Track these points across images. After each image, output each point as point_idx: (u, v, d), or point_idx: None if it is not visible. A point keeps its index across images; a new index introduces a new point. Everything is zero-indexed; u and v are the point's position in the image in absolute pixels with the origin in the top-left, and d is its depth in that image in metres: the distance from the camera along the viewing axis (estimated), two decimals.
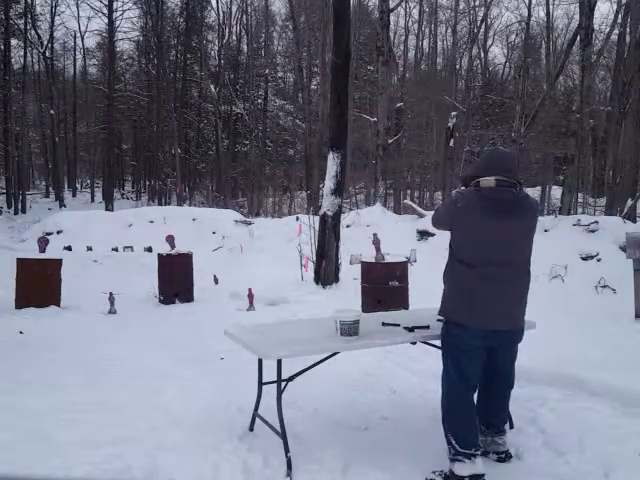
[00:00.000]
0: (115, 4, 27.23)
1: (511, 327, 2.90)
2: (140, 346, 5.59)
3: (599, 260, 8.16)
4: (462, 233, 2.87)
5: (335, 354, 3.31)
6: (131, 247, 12.59)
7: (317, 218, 9.21)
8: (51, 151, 30.85)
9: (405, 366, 4.78)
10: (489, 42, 31.74)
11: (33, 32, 28.50)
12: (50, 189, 32.30)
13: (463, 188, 3.01)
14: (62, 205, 27.05)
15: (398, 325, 3.38)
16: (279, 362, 3.03)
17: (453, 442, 2.81)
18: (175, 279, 8.33)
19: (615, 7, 19.86)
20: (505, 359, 3.01)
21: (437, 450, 3.05)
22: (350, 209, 17.15)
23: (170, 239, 8.70)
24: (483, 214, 2.77)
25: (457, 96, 26.11)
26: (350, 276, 8.70)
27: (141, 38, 32.09)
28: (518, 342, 3.01)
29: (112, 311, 7.49)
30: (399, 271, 7.18)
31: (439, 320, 3.10)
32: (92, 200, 31.30)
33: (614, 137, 18.15)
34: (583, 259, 8.30)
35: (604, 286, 7.48)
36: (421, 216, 11.44)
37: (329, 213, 8.74)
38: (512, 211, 2.81)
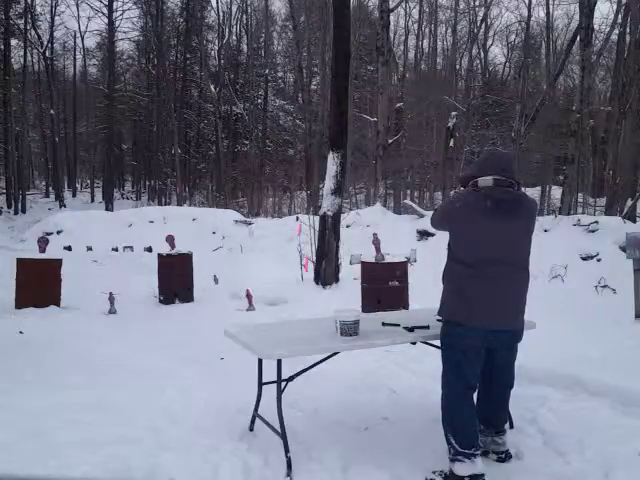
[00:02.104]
0: (115, 4, 27.33)
1: (510, 327, 2.90)
2: (140, 346, 5.60)
3: (599, 260, 8.15)
4: (461, 233, 2.87)
5: (335, 354, 3.31)
6: (131, 247, 12.59)
7: (317, 218, 9.21)
8: (51, 151, 30.85)
9: (405, 366, 4.78)
10: (489, 42, 31.76)
11: (33, 32, 28.51)
12: (50, 189, 32.30)
13: (462, 189, 3.01)
14: (62, 205, 27.06)
15: (398, 325, 3.38)
16: (279, 362, 3.03)
17: (453, 442, 2.81)
18: (175, 279, 8.33)
19: (615, 7, 19.86)
20: (505, 359, 3.01)
21: (437, 450, 3.05)
22: (350, 209, 17.13)
23: (170, 239, 8.70)
24: (482, 214, 2.78)
25: (457, 96, 26.09)
26: (350, 276, 8.70)
27: (141, 38, 32.10)
28: (518, 342, 3.01)
29: (112, 311, 7.49)
30: (399, 271, 7.18)
31: (439, 320, 3.10)
32: (92, 200, 31.33)
33: (614, 137, 18.13)
34: (583, 259, 8.29)
35: (604, 286, 7.48)
36: (421, 216, 11.43)
37: (329, 213, 8.73)
38: (511, 211, 2.82)
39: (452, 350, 2.91)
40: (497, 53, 61.56)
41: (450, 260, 2.95)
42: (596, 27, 18.12)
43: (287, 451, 2.98)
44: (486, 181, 2.85)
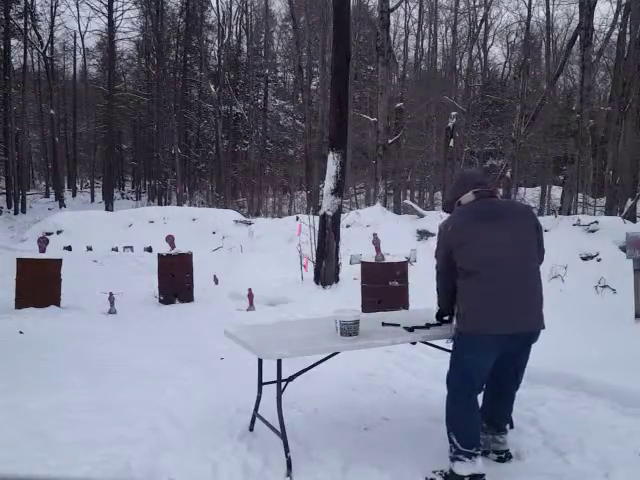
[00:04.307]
0: (115, 4, 27.36)
1: (529, 329, 2.88)
2: (140, 346, 5.60)
3: (599, 260, 8.14)
4: (463, 248, 2.86)
5: (335, 354, 3.31)
6: (131, 247, 12.60)
7: (317, 218, 9.21)
8: (51, 151, 30.83)
9: (405, 366, 4.78)
10: (489, 42, 31.74)
11: (33, 32, 28.50)
12: (50, 189, 32.29)
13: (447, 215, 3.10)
14: (62, 205, 27.05)
15: (398, 325, 3.38)
16: (279, 362, 3.03)
17: (455, 441, 2.82)
18: (175, 279, 8.33)
19: (615, 7, 19.87)
20: (519, 361, 3.01)
21: (437, 450, 3.06)
22: (350, 209, 17.13)
23: (170, 239, 8.70)
24: (476, 222, 2.86)
25: (457, 96, 26.10)
26: (350, 276, 8.69)
27: (141, 38, 32.11)
28: (533, 342, 2.98)
29: (112, 311, 7.49)
30: (399, 271, 7.18)
31: (438, 323, 3.12)
32: (92, 200, 31.32)
33: (614, 137, 18.12)
34: (583, 259, 8.28)
35: (604, 286, 7.47)
36: (421, 216, 11.42)
37: (329, 213, 8.73)
38: (503, 214, 2.89)
39: (464, 352, 2.89)
40: (497, 53, 61.50)
41: (459, 280, 2.92)
42: (596, 27, 18.14)
43: (287, 451, 2.98)
44: (468, 197, 2.97)
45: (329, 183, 8.82)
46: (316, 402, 3.88)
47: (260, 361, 3.32)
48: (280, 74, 36.35)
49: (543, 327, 2.93)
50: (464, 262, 2.86)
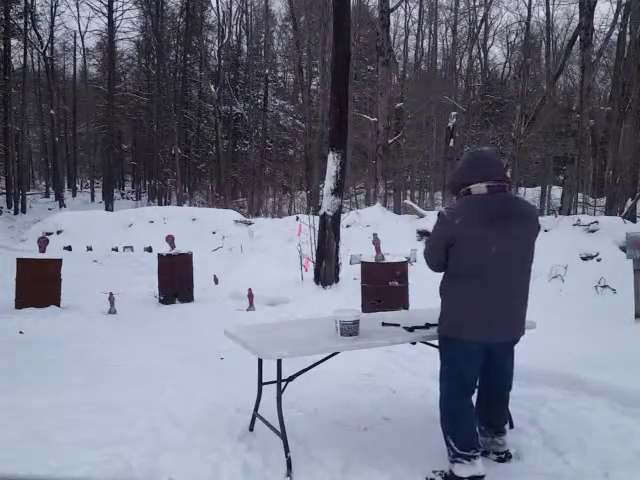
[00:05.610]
0: (115, 4, 27.39)
1: (513, 338, 2.93)
2: (140, 346, 5.60)
3: (599, 260, 8.14)
4: (462, 247, 2.76)
5: (335, 354, 3.31)
6: (131, 247, 12.60)
7: (317, 218, 9.21)
8: (51, 151, 30.85)
9: (405, 366, 4.78)
10: (489, 42, 31.81)
11: (33, 32, 28.51)
12: (50, 189, 32.32)
13: (455, 200, 2.94)
14: (62, 205, 27.06)
15: (398, 325, 3.38)
16: (279, 362, 3.03)
17: (452, 444, 2.81)
18: (175, 279, 8.33)
19: (615, 7, 19.86)
20: (504, 362, 3.03)
21: (437, 450, 3.05)
22: (350, 209, 17.12)
23: (170, 239, 8.71)
24: (482, 226, 2.71)
25: (457, 96, 26.10)
26: (350, 276, 8.70)
27: (141, 38, 32.13)
28: (515, 344, 3.02)
29: (112, 311, 7.49)
30: (399, 271, 7.19)
31: (433, 325, 3.13)
32: (92, 200, 31.35)
33: (614, 137, 18.08)
34: (583, 259, 8.28)
35: (604, 286, 7.46)
36: (421, 216, 11.41)
37: (329, 213, 8.73)
38: (512, 216, 2.77)
39: (451, 354, 2.91)
40: (497, 53, 61.49)
41: (448, 275, 2.89)
42: (596, 27, 18.13)
43: (287, 451, 2.98)
44: (479, 188, 2.79)
45: (329, 183, 8.82)
46: (316, 402, 3.88)
47: (260, 361, 3.32)
48: (280, 74, 36.35)
49: (523, 333, 2.95)
50: (460, 260, 2.78)
